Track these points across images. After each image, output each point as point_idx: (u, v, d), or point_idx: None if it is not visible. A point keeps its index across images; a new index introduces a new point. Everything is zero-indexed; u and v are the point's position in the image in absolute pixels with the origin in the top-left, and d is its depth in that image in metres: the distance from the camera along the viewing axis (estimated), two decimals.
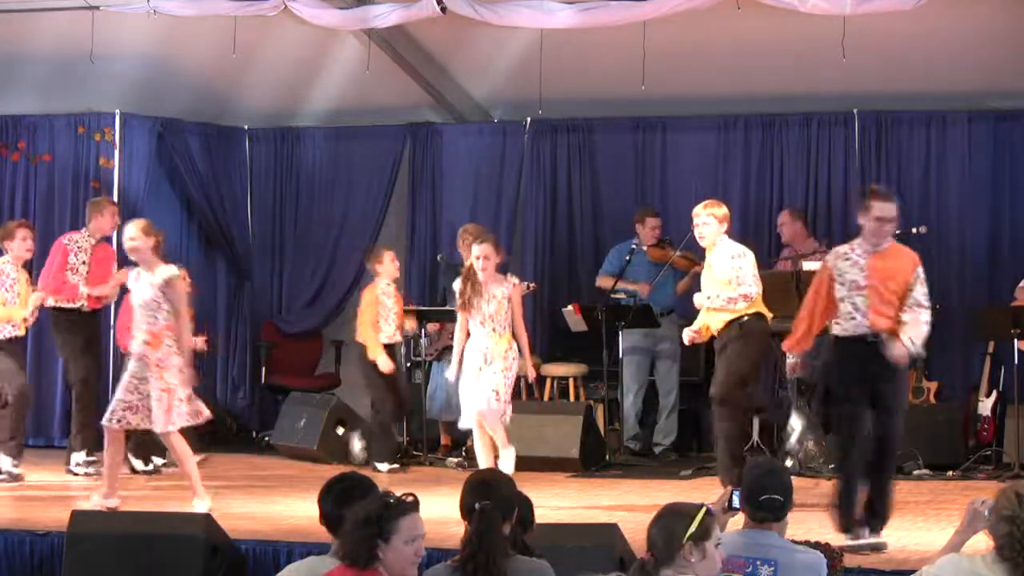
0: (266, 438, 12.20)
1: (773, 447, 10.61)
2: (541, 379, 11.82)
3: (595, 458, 10.72)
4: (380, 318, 10.79)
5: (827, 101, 11.76)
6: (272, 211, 13.32)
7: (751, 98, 11.83)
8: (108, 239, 10.77)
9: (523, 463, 9.78)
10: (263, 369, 12.99)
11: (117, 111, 12.38)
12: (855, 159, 11.86)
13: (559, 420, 10.73)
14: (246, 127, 13.32)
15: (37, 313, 10.27)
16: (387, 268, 10.91)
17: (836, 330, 7.47)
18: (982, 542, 4.69)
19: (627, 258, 11.20)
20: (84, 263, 10.36)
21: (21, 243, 10.16)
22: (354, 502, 4.94)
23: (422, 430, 11.24)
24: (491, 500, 4.98)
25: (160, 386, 8.44)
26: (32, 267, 10.56)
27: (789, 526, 5.37)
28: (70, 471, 10.33)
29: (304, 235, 13.21)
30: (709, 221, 8.93)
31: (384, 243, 11.81)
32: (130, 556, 6.98)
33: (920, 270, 7.48)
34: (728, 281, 8.82)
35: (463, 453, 10.93)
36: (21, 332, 10.18)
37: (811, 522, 7.83)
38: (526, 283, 10.90)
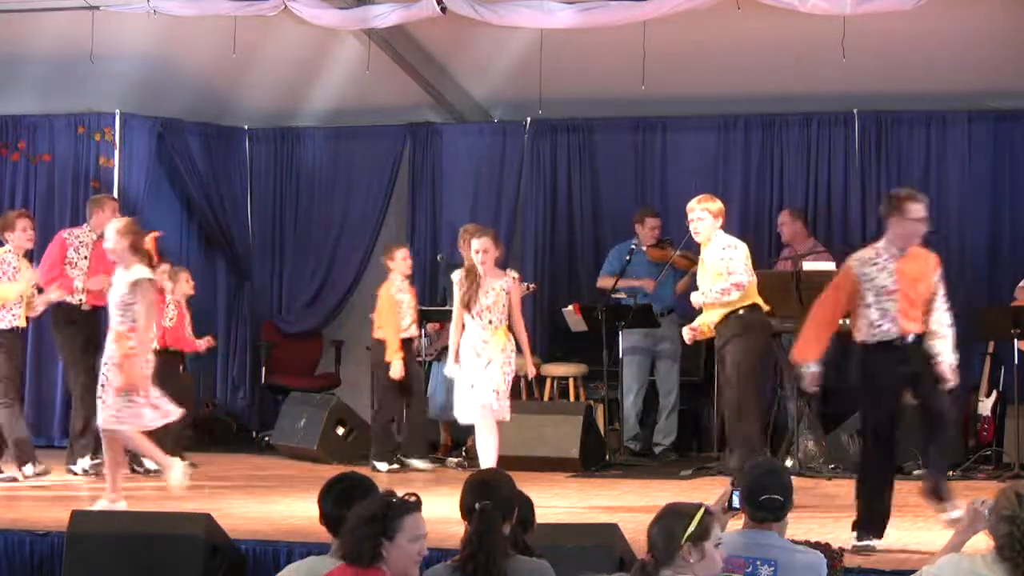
0: (266, 438, 12.20)
1: (773, 447, 10.61)
2: (541, 379, 11.83)
3: (595, 458, 10.72)
4: (397, 315, 10.81)
5: (827, 101, 11.76)
6: (272, 211, 13.32)
7: (751, 98, 11.83)
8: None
9: (523, 463, 9.80)
10: (263, 369, 12.99)
11: (117, 111, 12.39)
12: (855, 159, 11.86)
13: (559, 420, 10.73)
14: (246, 127, 13.33)
15: (42, 309, 10.23)
16: (399, 265, 10.92)
17: (860, 337, 7.31)
18: (982, 542, 4.69)
19: (627, 258, 11.20)
20: (85, 258, 10.35)
21: (22, 233, 10.16)
22: (354, 502, 4.94)
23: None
24: (491, 500, 4.98)
25: (116, 383, 8.44)
26: (33, 257, 10.55)
27: (789, 526, 5.37)
28: (70, 471, 10.32)
29: (304, 235, 13.22)
30: (703, 216, 8.90)
31: (398, 240, 11.82)
32: (130, 556, 6.98)
33: (940, 271, 7.48)
34: (720, 273, 8.80)
35: (463, 453, 10.94)
36: (22, 323, 10.14)
37: (811, 522, 7.84)
38: (526, 284, 10.92)
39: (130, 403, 8.43)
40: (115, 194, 12.00)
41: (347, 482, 5.18)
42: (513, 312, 9.08)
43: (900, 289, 7.26)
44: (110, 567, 6.98)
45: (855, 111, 11.83)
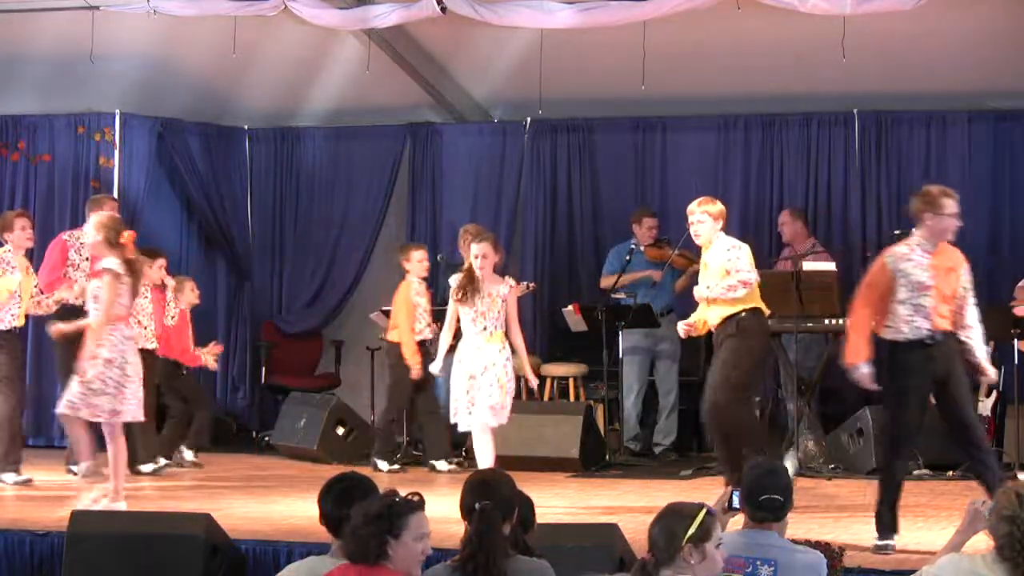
0: (266, 438, 12.20)
1: (774, 447, 10.61)
2: (541, 379, 11.82)
3: (595, 458, 10.72)
4: (414, 318, 10.79)
5: (827, 101, 11.76)
6: (272, 211, 13.33)
7: (751, 98, 11.83)
8: None
9: (523, 463, 9.79)
10: (263, 369, 13.00)
11: (117, 111, 12.40)
12: (855, 159, 11.87)
13: (559, 420, 10.73)
14: (246, 127, 13.33)
15: (56, 307, 10.22)
16: (415, 267, 10.90)
17: (889, 334, 7.27)
18: (982, 542, 4.70)
19: (627, 258, 11.21)
20: (86, 259, 10.33)
21: (21, 232, 10.15)
22: (354, 502, 4.94)
23: (422, 430, 11.22)
24: (491, 500, 4.98)
25: (79, 370, 8.46)
26: (33, 256, 10.55)
27: (789, 526, 5.37)
28: (70, 471, 10.32)
29: (304, 235, 13.22)
30: (704, 219, 8.83)
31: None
32: (130, 556, 6.97)
33: (968, 267, 7.47)
34: (726, 272, 8.75)
35: (463, 453, 10.92)
36: (20, 322, 10.13)
37: (811, 522, 7.84)
38: (526, 283, 10.92)
39: (87, 392, 8.42)
40: (115, 194, 12.00)
41: (347, 482, 5.18)
42: (510, 320, 9.00)
43: (935, 285, 7.25)
44: (110, 567, 6.98)
45: (855, 111, 11.84)
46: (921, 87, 11.44)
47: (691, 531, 4.51)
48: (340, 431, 11.37)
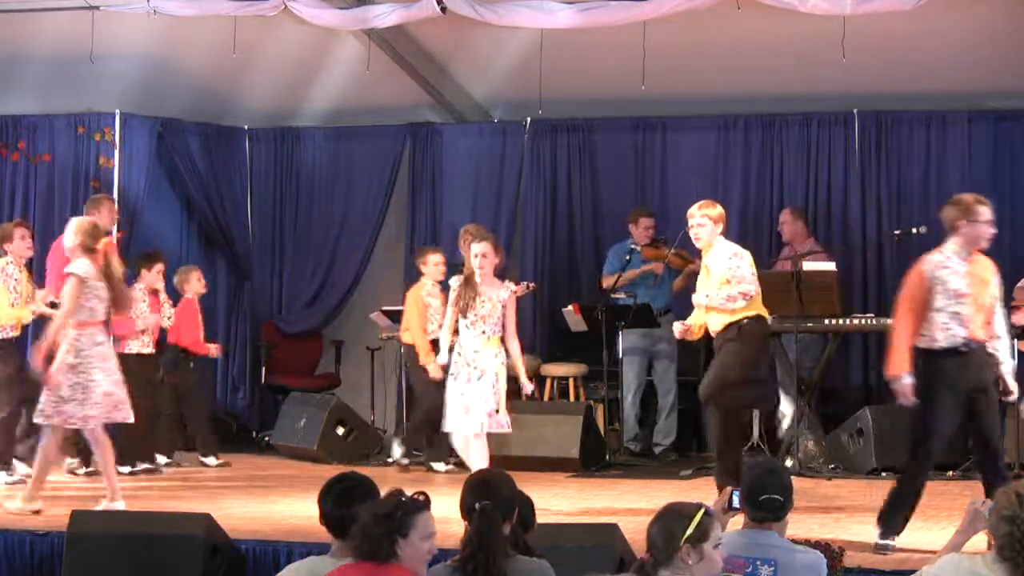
0: (266, 438, 12.21)
1: (773, 447, 10.62)
2: (541, 379, 11.83)
3: (595, 458, 10.72)
4: (425, 318, 10.76)
5: (827, 101, 11.76)
6: (272, 211, 13.33)
7: (751, 98, 11.83)
8: (109, 235, 10.76)
9: (523, 463, 9.79)
10: (263, 369, 13.00)
11: (117, 111, 12.40)
12: (855, 159, 11.87)
13: (559, 420, 10.73)
14: (246, 127, 13.33)
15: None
16: (431, 270, 10.86)
17: (924, 342, 7.21)
18: (982, 542, 4.70)
19: (627, 258, 11.21)
20: None
21: (20, 242, 10.17)
22: (354, 502, 4.95)
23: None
24: (491, 500, 4.98)
25: (47, 378, 8.45)
26: (32, 266, 10.55)
27: (789, 526, 5.37)
28: (70, 471, 10.33)
29: (304, 235, 13.22)
30: (704, 222, 8.77)
31: (431, 245, 11.80)
32: (130, 556, 6.98)
33: (998, 275, 7.48)
34: (727, 280, 8.71)
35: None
36: (17, 332, 10.15)
37: (811, 522, 7.84)
38: (526, 283, 10.91)
39: (56, 400, 8.40)
40: (115, 194, 12.02)
41: (347, 482, 5.18)
42: (508, 324, 8.89)
43: (971, 294, 7.23)
44: (110, 567, 6.98)
45: (855, 111, 11.84)
46: (921, 87, 11.44)
47: (689, 531, 4.51)
48: (340, 431, 11.37)
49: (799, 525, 6.99)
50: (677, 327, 9.02)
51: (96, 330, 8.51)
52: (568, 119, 12.41)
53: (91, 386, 8.42)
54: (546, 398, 11.81)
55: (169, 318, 10.94)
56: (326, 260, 13.10)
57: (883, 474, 10.03)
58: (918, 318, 7.23)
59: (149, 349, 10.66)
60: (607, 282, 11.54)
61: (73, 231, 8.65)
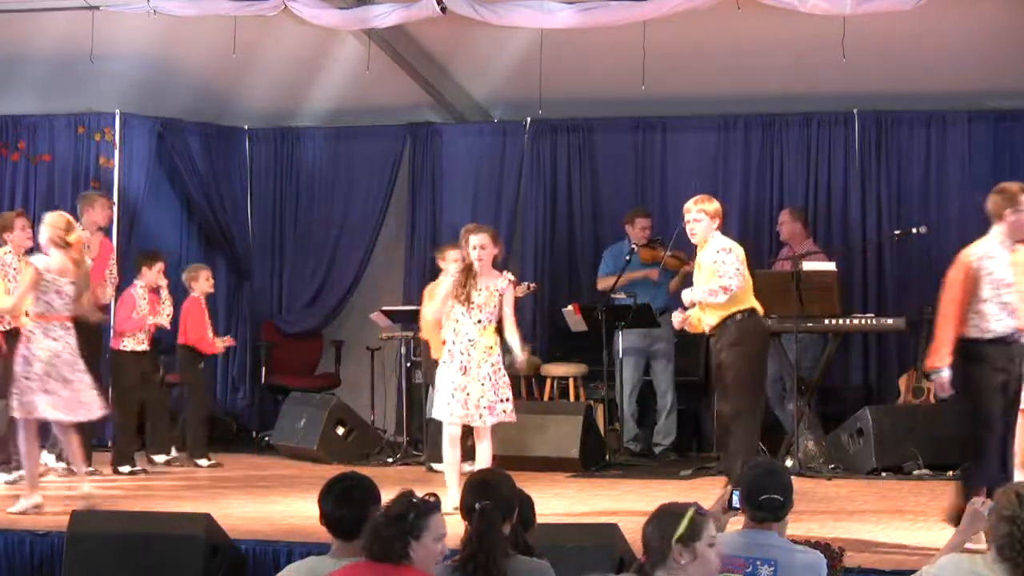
0: (266, 438, 12.21)
1: (773, 447, 10.61)
2: (541, 379, 11.82)
3: (595, 458, 10.72)
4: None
5: (827, 101, 11.76)
6: (272, 211, 13.33)
7: (751, 98, 11.83)
8: (103, 232, 10.76)
9: (523, 463, 9.79)
10: (263, 369, 13.00)
11: (117, 111, 12.41)
12: (855, 159, 11.87)
13: (559, 420, 10.72)
14: (246, 127, 13.33)
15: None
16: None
17: (975, 332, 7.18)
18: (982, 542, 4.70)
19: (627, 258, 11.21)
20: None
21: (21, 232, 10.18)
22: (355, 502, 4.95)
23: (422, 430, 11.22)
24: (491, 500, 4.98)
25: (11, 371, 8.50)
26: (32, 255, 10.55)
27: (789, 526, 5.37)
28: (71, 471, 10.33)
29: (304, 235, 13.22)
30: (700, 217, 8.73)
31: (431, 244, 11.77)
32: (130, 556, 6.97)
33: None
34: (713, 273, 8.68)
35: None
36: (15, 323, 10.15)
37: (811, 522, 7.84)
38: (527, 283, 10.90)
39: (17, 392, 8.43)
40: (115, 194, 12.02)
41: (347, 482, 5.17)
42: (506, 315, 8.77)
43: (1016, 282, 7.19)
44: (110, 567, 6.98)
45: (855, 111, 11.84)
46: (921, 87, 11.44)
47: (680, 531, 4.50)
48: (340, 431, 11.37)
49: (799, 525, 6.98)
50: (677, 317, 8.97)
51: (53, 325, 8.52)
52: (568, 119, 12.41)
53: (47, 380, 8.43)
54: (546, 398, 11.81)
55: (168, 316, 10.94)
56: (326, 260, 13.10)
57: (883, 474, 10.03)
58: (964, 310, 7.21)
59: (144, 346, 10.69)
60: (602, 284, 11.54)
61: (46, 224, 8.66)
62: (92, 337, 10.25)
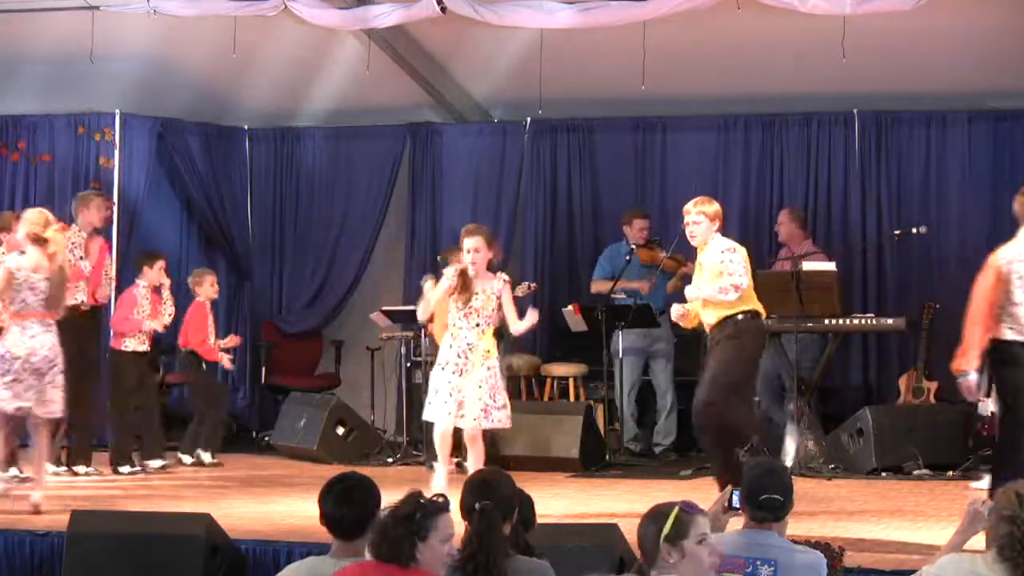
0: (266, 438, 12.21)
1: (772, 447, 10.61)
2: (541, 379, 11.82)
3: (595, 458, 10.71)
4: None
5: (827, 101, 11.76)
6: (272, 211, 13.33)
7: (751, 98, 11.83)
8: (100, 232, 10.76)
9: (523, 463, 9.79)
10: (263, 369, 13.00)
11: (117, 111, 12.41)
12: (855, 159, 11.87)
13: (559, 420, 10.72)
14: (246, 127, 13.33)
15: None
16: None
17: (1012, 335, 7.22)
18: (982, 542, 4.69)
19: (627, 258, 11.20)
20: (81, 258, 10.33)
21: None
22: (355, 502, 4.94)
23: (422, 430, 11.21)
24: (491, 500, 4.98)
25: None
26: None
27: (789, 526, 5.37)
28: (71, 471, 10.33)
29: (304, 235, 13.22)
30: (700, 219, 8.66)
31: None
32: (130, 556, 6.97)
33: None
34: (719, 274, 8.63)
35: (462, 454, 10.88)
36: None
37: (811, 522, 7.84)
38: (527, 283, 10.89)
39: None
40: (115, 194, 12.03)
41: (347, 482, 5.17)
42: (508, 315, 8.71)
43: None
44: (110, 567, 6.98)
45: (855, 111, 11.84)
46: (921, 87, 11.44)
47: (665, 531, 4.50)
48: (340, 431, 11.37)
49: (799, 525, 6.98)
50: (676, 309, 8.86)
51: (31, 322, 8.50)
52: (568, 119, 12.41)
53: (23, 376, 8.42)
54: (546, 398, 11.81)
55: (169, 315, 10.93)
56: (326, 260, 13.10)
57: (883, 474, 10.03)
58: (995, 314, 7.21)
59: (144, 347, 10.68)
60: (596, 287, 11.53)
61: (23, 219, 8.66)
62: (82, 335, 10.27)
